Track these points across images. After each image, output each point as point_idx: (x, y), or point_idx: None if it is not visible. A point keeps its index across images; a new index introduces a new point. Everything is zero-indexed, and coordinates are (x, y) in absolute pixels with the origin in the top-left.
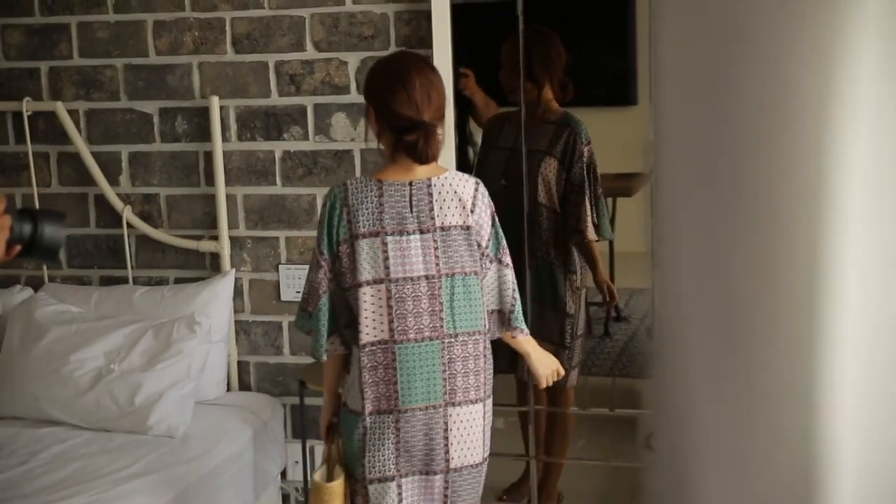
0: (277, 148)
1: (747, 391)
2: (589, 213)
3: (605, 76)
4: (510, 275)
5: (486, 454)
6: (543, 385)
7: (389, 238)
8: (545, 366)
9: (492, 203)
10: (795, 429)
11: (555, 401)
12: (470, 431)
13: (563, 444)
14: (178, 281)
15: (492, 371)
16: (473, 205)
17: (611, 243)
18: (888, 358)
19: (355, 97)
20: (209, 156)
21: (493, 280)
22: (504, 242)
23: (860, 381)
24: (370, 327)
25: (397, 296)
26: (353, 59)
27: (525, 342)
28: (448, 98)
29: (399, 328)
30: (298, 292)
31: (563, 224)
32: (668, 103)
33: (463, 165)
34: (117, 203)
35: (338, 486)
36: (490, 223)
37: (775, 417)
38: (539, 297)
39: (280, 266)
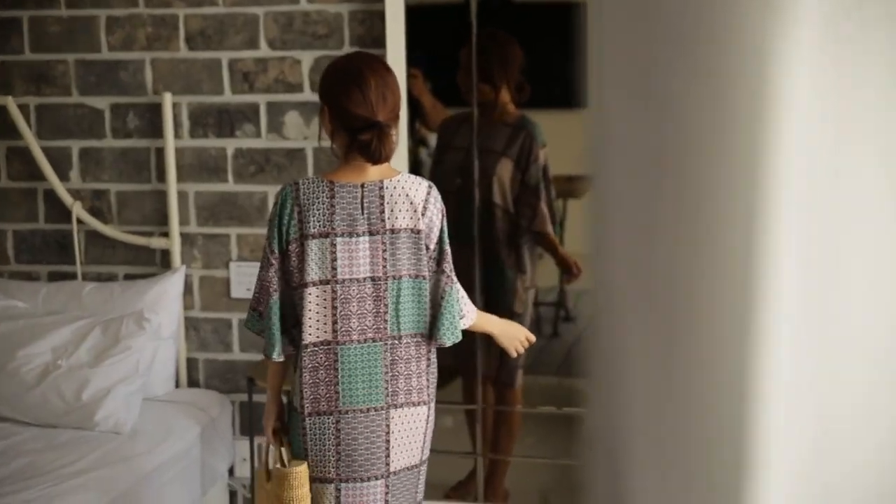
0: (230, 145)
1: (680, 388)
2: (547, 214)
3: (558, 78)
4: (443, 281)
5: (425, 456)
6: (514, 355)
7: (339, 239)
8: (512, 337)
9: (444, 208)
10: (727, 425)
11: (501, 400)
12: (411, 434)
13: (510, 443)
14: (127, 277)
15: (436, 374)
16: (425, 208)
17: (560, 243)
18: (819, 354)
19: (309, 96)
20: (161, 152)
21: (433, 287)
22: (447, 248)
23: (792, 377)
24: (314, 328)
25: (342, 297)
26: (307, 58)
27: (485, 323)
28: (402, 99)
29: (342, 329)
30: (249, 289)
31: (516, 225)
32: (604, 104)
33: (416, 166)
34: (67, 198)
35: (304, 469)
36: (439, 228)
37: (708, 414)
38: (488, 297)
39: (231, 263)
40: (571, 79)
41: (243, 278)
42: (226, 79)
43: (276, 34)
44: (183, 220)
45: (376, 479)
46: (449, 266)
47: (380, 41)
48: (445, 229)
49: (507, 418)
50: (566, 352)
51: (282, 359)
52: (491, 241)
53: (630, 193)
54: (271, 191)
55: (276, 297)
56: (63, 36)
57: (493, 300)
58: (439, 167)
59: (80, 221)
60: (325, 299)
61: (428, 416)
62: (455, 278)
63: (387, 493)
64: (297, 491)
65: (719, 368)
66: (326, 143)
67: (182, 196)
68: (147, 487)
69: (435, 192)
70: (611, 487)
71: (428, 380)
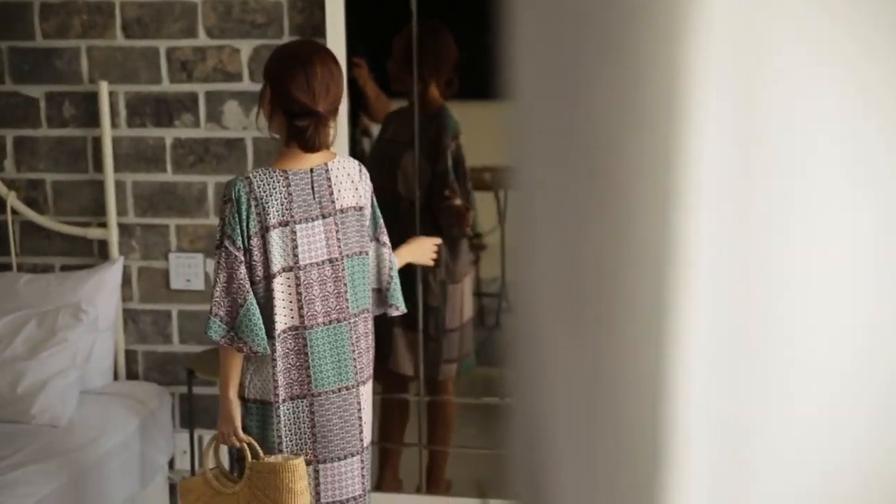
0: (168, 135)
1: (597, 379)
2: (457, 206)
3: (500, 69)
4: (387, 253)
5: (374, 435)
6: (433, 264)
7: (298, 226)
8: (423, 253)
9: (371, 184)
10: (644, 416)
11: (434, 393)
12: (369, 409)
13: (446, 434)
14: (64, 268)
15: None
16: (362, 185)
17: (502, 236)
18: (739, 352)
19: (248, 85)
20: (97, 141)
21: (373, 259)
22: (381, 221)
23: (709, 368)
24: (282, 315)
25: (305, 282)
26: (246, 47)
27: (400, 262)
28: (344, 93)
29: (308, 313)
30: (189, 280)
31: (428, 217)
32: (519, 94)
33: (359, 157)
34: (1, 188)
35: (302, 461)
36: (370, 203)
37: (625, 405)
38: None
39: (170, 254)
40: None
41: (182, 269)
42: (164, 67)
43: (215, 22)
44: (121, 210)
45: (352, 455)
46: (385, 236)
47: (319, 30)
48: (376, 204)
49: (441, 411)
50: (509, 342)
51: (268, 351)
52: (399, 232)
53: (545, 185)
54: (211, 181)
55: (251, 293)
56: None
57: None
58: (368, 158)
59: (14, 212)
60: (289, 286)
61: (370, 392)
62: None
63: (362, 468)
64: (300, 483)
65: (635, 359)
66: (264, 126)
67: (120, 186)
68: (85, 481)
69: (365, 171)
70: (532, 479)
71: (372, 355)
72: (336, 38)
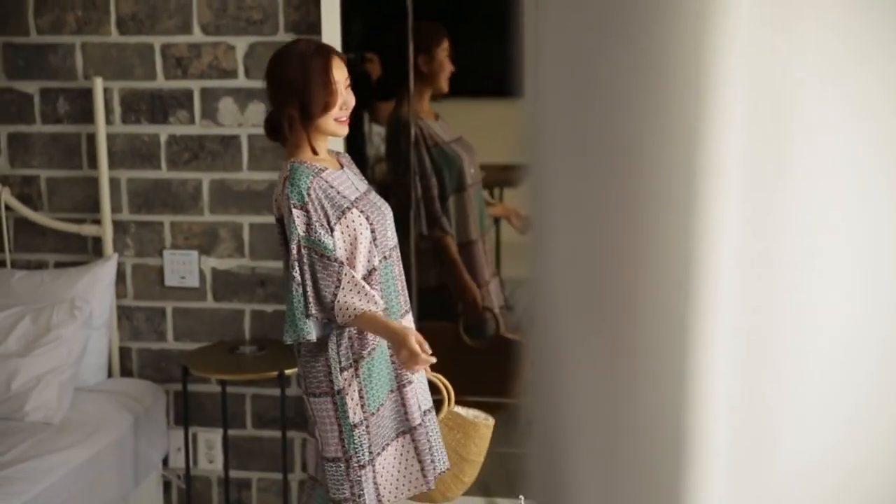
0: (163, 132)
1: (618, 377)
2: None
3: (494, 67)
4: None
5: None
6: (410, 371)
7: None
8: (398, 349)
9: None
10: (666, 416)
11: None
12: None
13: None
14: (58, 265)
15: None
16: None
17: (497, 233)
18: (762, 351)
19: (243, 82)
20: (92, 138)
21: None
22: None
23: (732, 368)
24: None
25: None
26: (242, 44)
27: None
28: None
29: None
30: (183, 277)
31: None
32: (539, 91)
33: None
34: None
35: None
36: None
37: (646, 406)
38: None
39: (164, 251)
40: (507, 67)
41: (177, 266)
42: (158, 64)
43: (210, 19)
44: (115, 207)
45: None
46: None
47: (315, 27)
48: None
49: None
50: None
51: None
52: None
53: (564, 182)
54: (205, 178)
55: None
56: None
57: None
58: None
59: (8, 208)
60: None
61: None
62: None
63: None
64: (475, 452)
65: (657, 357)
66: (259, 130)
67: (114, 183)
68: (79, 478)
69: None
70: (549, 477)
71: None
72: (332, 36)
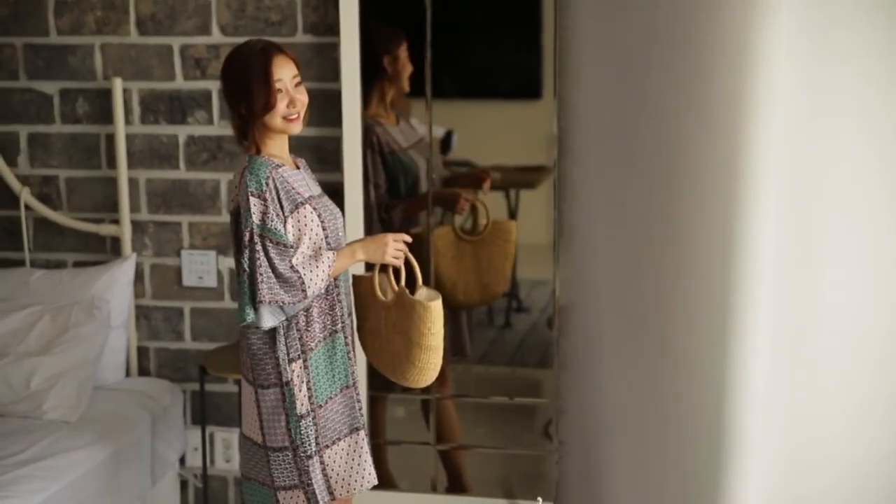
0: (181, 132)
1: (658, 383)
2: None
3: (512, 70)
4: None
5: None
6: (397, 263)
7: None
8: (378, 249)
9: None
10: (705, 420)
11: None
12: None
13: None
14: (77, 264)
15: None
16: None
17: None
18: (799, 350)
19: None
20: (111, 138)
21: None
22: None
23: (769, 374)
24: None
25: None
26: None
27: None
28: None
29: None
30: (201, 278)
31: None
32: (582, 97)
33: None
34: (15, 184)
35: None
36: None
37: (685, 409)
38: None
39: (182, 251)
40: (526, 70)
41: (195, 266)
42: (177, 65)
43: (229, 20)
44: (134, 207)
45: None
46: None
47: (333, 28)
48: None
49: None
50: (518, 342)
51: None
52: None
53: (607, 185)
54: (223, 178)
55: None
56: (11, 19)
57: None
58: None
59: (28, 208)
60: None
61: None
62: None
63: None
64: (428, 336)
65: (697, 364)
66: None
67: (133, 183)
68: (96, 477)
69: None
70: (587, 480)
71: None
72: (350, 37)
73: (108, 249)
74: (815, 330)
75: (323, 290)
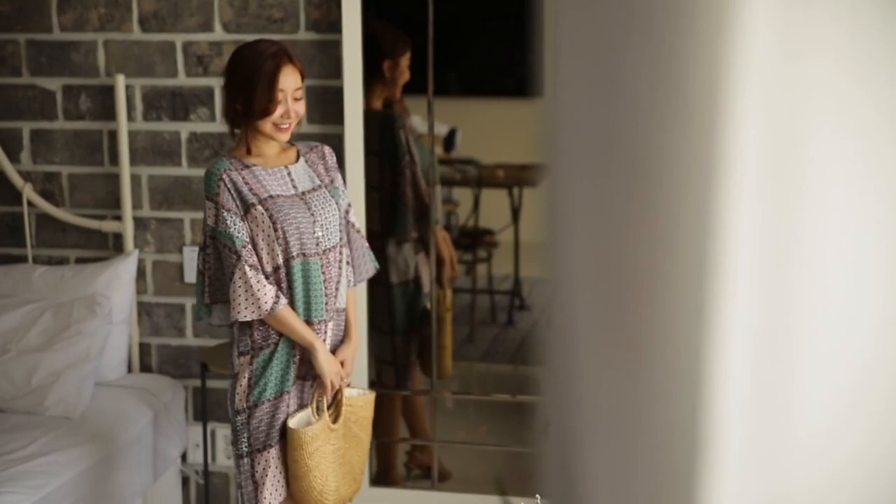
0: (184, 129)
1: (634, 376)
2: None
3: (514, 67)
4: None
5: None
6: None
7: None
8: (327, 362)
9: None
10: (681, 422)
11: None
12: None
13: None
14: (79, 261)
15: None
16: None
17: (516, 233)
18: (775, 350)
19: None
20: (113, 135)
21: None
22: None
23: (748, 375)
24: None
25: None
26: None
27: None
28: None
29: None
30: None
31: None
32: (558, 90)
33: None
34: (17, 180)
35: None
36: None
37: (661, 411)
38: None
39: (184, 248)
40: (525, 67)
41: (196, 263)
42: (180, 62)
43: (231, 17)
44: (136, 203)
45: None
46: None
47: (335, 26)
48: None
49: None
50: (521, 340)
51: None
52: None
53: (584, 182)
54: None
55: None
56: (14, 15)
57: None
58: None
59: (30, 204)
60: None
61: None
62: None
63: None
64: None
65: (673, 357)
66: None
67: (135, 179)
68: (98, 473)
69: None
70: (563, 475)
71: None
72: (352, 35)
73: (111, 246)
74: (796, 330)
75: (266, 310)
